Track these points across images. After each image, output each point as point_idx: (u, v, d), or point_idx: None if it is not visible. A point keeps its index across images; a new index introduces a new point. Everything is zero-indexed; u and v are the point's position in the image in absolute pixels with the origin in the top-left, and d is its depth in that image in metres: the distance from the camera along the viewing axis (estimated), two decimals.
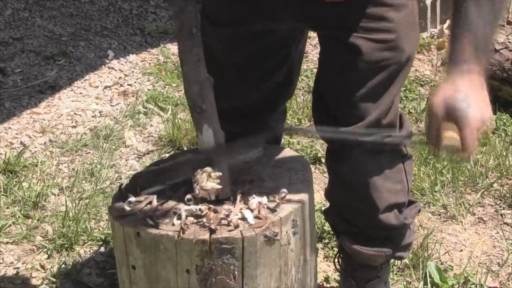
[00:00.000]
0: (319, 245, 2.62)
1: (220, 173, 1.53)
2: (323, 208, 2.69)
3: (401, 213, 2.06)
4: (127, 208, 1.53)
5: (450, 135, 1.52)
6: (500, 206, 2.89)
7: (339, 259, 2.29)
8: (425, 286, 2.42)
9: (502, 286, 2.49)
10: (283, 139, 3.30)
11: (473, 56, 1.55)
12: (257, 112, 2.03)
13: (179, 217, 1.47)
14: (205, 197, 1.52)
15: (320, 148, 3.22)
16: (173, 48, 4.34)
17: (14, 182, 2.98)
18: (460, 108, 1.52)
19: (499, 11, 1.61)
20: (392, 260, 2.36)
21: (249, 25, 1.85)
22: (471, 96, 1.53)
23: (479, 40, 1.56)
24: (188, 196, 1.53)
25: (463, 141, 1.52)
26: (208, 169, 1.53)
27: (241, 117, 2.00)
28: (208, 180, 1.52)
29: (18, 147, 3.29)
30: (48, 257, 2.60)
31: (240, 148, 1.61)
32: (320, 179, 3.03)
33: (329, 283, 2.48)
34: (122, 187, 1.64)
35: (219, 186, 1.52)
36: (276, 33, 1.88)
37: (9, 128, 3.47)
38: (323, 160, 3.13)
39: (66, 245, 2.63)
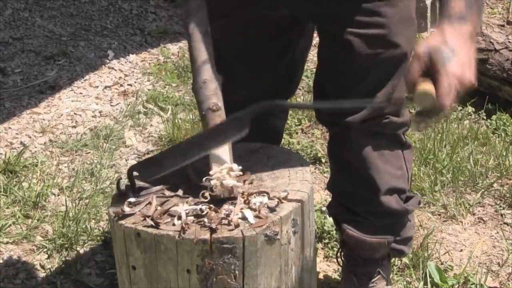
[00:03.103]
0: (319, 245, 2.62)
1: (240, 167, 1.53)
2: (323, 208, 2.69)
3: (402, 200, 2.10)
4: (127, 208, 1.53)
5: (426, 86, 1.45)
6: (500, 206, 2.89)
7: (341, 255, 2.31)
8: (425, 286, 2.42)
9: (502, 286, 2.49)
10: (283, 140, 3.30)
11: (465, 11, 1.51)
12: None
13: (180, 217, 1.47)
14: (219, 195, 1.51)
15: (320, 148, 3.22)
16: (173, 48, 4.34)
17: (14, 182, 2.98)
18: (442, 60, 1.45)
19: None
20: (392, 260, 2.36)
21: (245, 13, 1.88)
22: (457, 52, 1.47)
23: None
24: (206, 193, 1.51)
25: (438, 94, 1.44)
26: (229, 165, 1.53)
27: None
28: (230, 176, 1.51)
29: (18, 147, 3.29)
30: (48, 257, 2.60)
31: (226, 131, 1.58)
32: (320, 179, 3.03)
33: (329, 283, 2.48)
34: (119, 185, 1.63)
35: (240, 184, 1.52)
36: (272, 18, 1.90)
37: (9, 128, 3.47)
38: (323, 160, 3.13)
39: (66, 245, 2.63)
